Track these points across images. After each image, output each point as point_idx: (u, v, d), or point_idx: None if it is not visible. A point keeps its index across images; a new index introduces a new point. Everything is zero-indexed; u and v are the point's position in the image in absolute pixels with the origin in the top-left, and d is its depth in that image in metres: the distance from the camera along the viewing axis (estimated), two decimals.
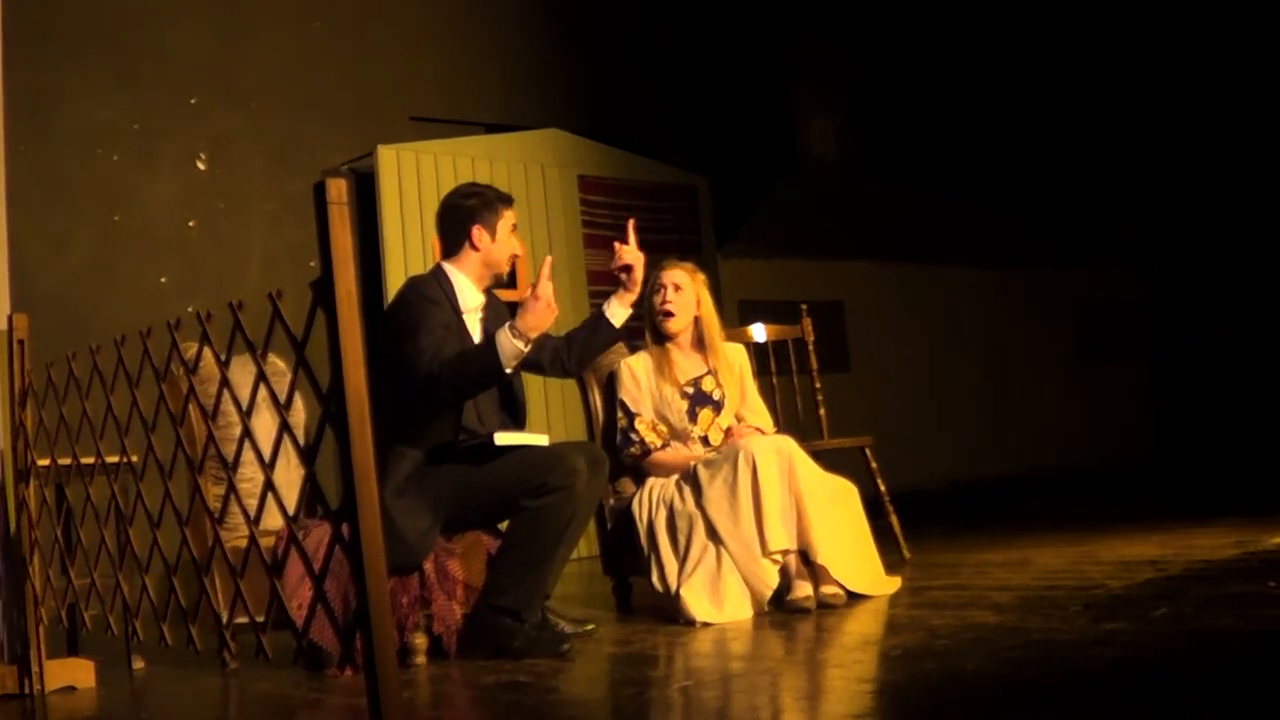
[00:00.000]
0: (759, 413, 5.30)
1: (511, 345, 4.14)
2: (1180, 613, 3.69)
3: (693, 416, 5.14)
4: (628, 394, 5.15)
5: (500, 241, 4.46)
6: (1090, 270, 13.38)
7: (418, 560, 4.15)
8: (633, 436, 5.08)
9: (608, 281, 8.68)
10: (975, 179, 12.60)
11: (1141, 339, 13.68)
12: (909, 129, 12.31)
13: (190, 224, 7.51)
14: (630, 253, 4.67)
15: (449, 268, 4.46)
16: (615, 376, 5.23)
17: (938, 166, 12.43)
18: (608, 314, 4.69)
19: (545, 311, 4.19)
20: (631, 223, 4.83)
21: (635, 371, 5.18)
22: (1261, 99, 11.95)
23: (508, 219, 4.48)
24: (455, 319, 4.36)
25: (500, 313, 4.61)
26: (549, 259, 4.39)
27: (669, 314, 5.19)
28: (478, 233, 4.44)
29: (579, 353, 4.77)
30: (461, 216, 4.47)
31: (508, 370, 4.17)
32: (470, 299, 4.44)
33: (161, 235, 7.41)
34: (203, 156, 7.62)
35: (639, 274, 4.66)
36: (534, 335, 4.19)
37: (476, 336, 4.43)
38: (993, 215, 12.86)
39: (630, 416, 5.11)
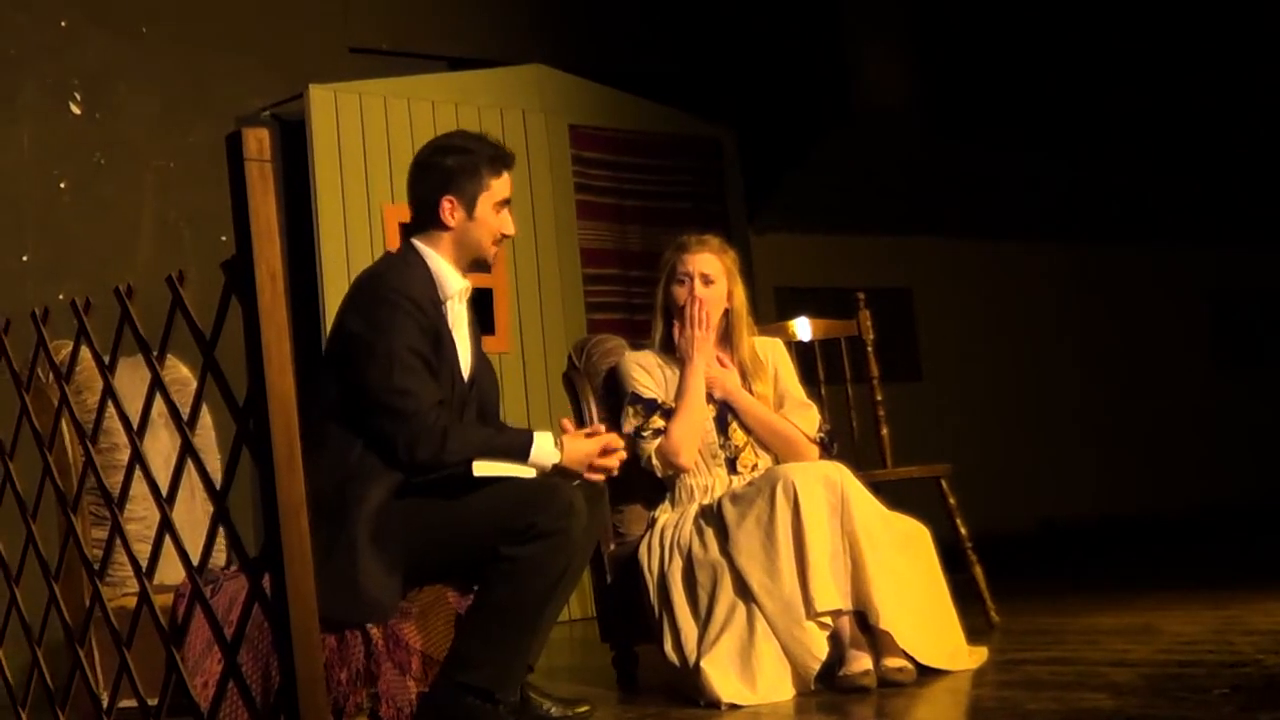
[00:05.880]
0: (803, 416, 5.26)
1: (548, 455, 4.32)
2: None
3: (722, 426, 5.13)
4: (639, 385, 5.14)
5: (481, 221, 4.45)
6: (1231, 250, 13.37)
7: (383, 619, 4.14)
8: (646, 433, 5.04)
9: (604, 262, 8.77)
10: (1080, 135, 12.57)
11: None
12: (994, 68, 12.27)
13: (61, 185, 7.50)
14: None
15: (422, 248, 4.45)
16: (618, 372, 5.23)
17: (1031, 117, 12.40)
18: (534, 442, 4.37)
19: (589, 454, 4.37)
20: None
21: (642, 361, 5.21)
22: None
23: (496, 191, 4.46)
24: (436, 320, 4.36)
25: (473, 315, 4.62)
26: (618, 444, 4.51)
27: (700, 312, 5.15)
28: (448, 206, 4.43)
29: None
30: (433, 182, 4.48)
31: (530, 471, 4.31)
32: (452, 283, 4.44)
33: (23, 199, 7.39)
34: (77, 97, 7.60)
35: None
36: (571, 468, 4.34)
37: (457, 328, 4.47)
38: (1103, 180, 12.84)
39: (646, 404, 5.07)
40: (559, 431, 4.44)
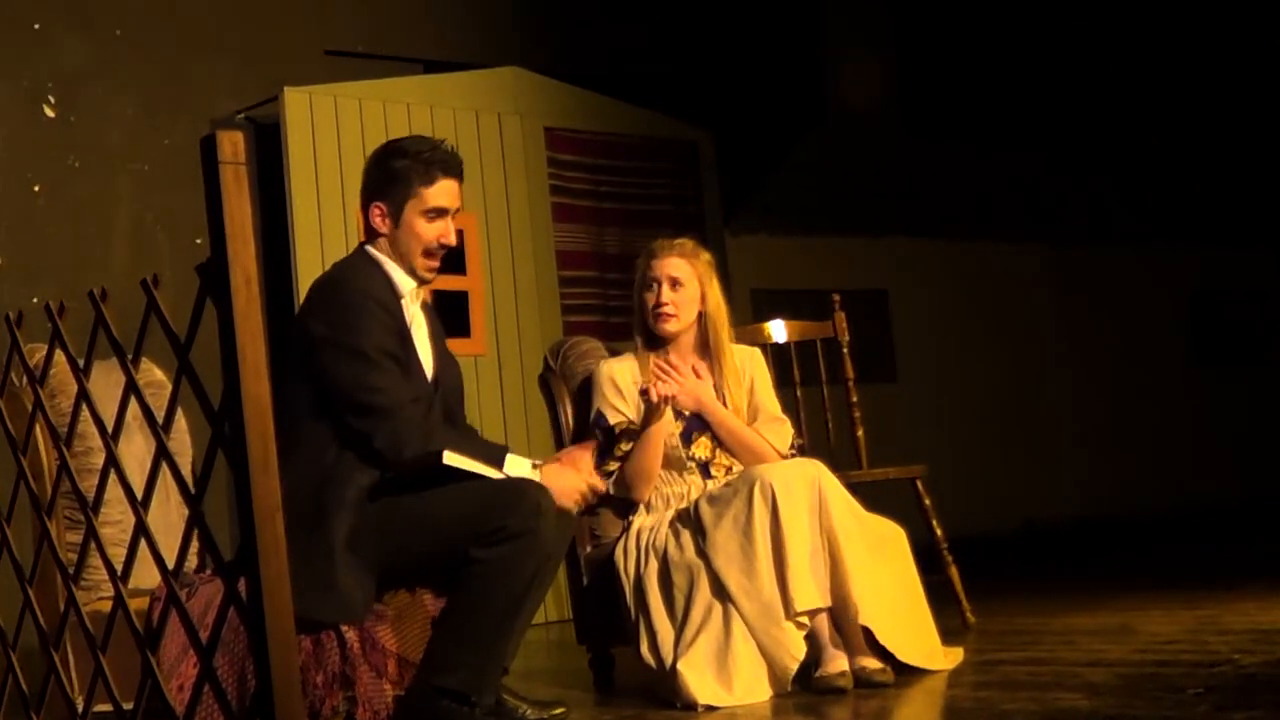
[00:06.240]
0: (775, 431, 5.24)
1: (522, 471, 4.33)
2: None
3: (687, 439, 5.10)
4: (606, 402, 5.10)
5: (407, 228, 4.40)
6: (1210, 250, 13.37)
7: (358, 619, 4.14)
8: (609, 467, 5.01)
9: (581, 265, 8.76)
10: (1056, 134, 12.57)
11: (1275, 338, 13.67)
12: (970, 69, 12.27)
13: (35, 188, 7.48)
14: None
15: (372, 252, 4.45)
16: (592, 382, 5.20)
17: (1007, 118, 12.39)
18: (507, 459, 4.45)
19: (576, 488, 4.38)
20: None
21: (617, 378, 5.15)
22: None
23: (426, 199, 4.40)
24: (400, 320, 4.37)
25: (434, 317, 4.60)
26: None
27: (667, 316, 5.13)
28: (377, 213, 4.42)
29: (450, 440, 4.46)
30: (365, 187, 4.49)
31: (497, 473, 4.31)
32: (403, 285, 4.42)
33: None
34: (51, 100, 7.58)
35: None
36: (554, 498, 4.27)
37: (415, 329, 4.45)
38: (1081, 180, 12.84)
39: (608, 433, 5.04)
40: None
